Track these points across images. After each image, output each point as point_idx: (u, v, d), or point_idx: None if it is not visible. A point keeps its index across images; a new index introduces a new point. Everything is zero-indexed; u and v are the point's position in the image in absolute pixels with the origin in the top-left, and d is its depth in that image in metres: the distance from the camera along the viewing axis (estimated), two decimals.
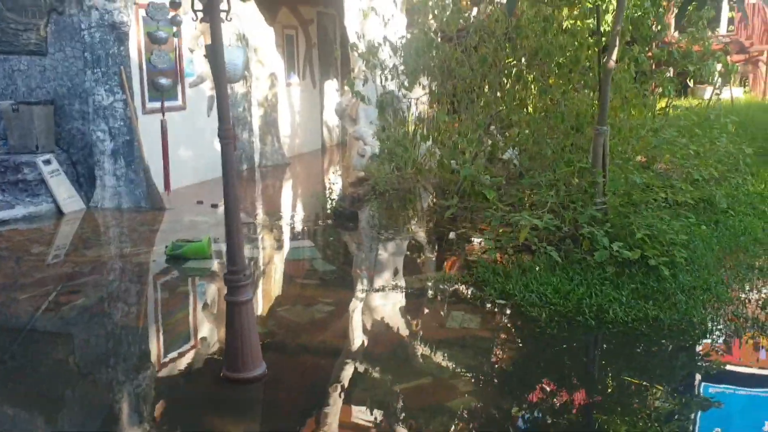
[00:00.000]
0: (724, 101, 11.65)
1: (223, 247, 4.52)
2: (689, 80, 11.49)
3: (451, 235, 6.82)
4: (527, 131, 5.88)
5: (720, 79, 9.89)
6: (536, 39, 5.89)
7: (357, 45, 8.17)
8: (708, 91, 12.41)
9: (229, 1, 3.97)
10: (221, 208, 7.65)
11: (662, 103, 8.18)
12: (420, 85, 10.68)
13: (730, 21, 17.34)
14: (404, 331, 4.61)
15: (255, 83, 11.63)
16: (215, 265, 5.92)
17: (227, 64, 4.83)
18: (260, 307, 5.07)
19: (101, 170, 8.33)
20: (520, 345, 4.47)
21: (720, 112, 7.79)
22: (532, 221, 5.01)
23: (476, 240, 6.42)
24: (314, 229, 7.37)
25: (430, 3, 6.81)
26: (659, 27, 7.13)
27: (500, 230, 5.72)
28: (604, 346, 4.44)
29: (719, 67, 8.15)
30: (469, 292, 5.17)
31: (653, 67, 7.58)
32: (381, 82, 11.09)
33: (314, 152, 13.83)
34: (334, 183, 10.08)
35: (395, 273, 5.84)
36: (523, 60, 6.32)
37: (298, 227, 7.56)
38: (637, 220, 5.55)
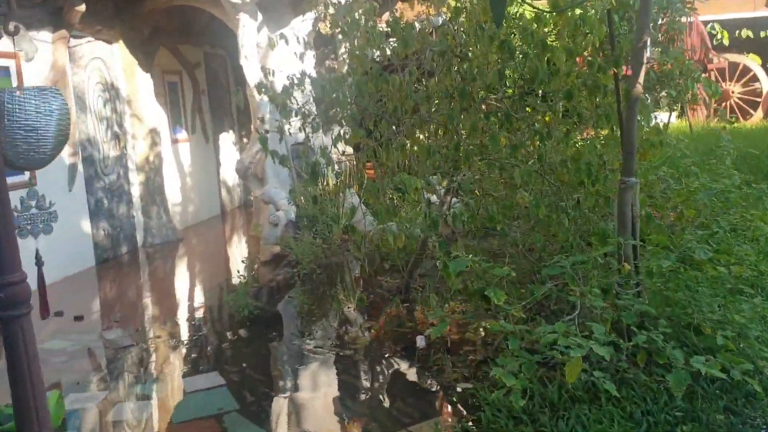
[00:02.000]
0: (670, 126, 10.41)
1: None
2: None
3: (420, 342, 4.81)
4: (524, 193, 4.01)
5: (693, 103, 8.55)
6: (529, 61, 4.10)
7: (265, 85, 6.07)
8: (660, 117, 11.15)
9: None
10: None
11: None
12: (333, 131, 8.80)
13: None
14: None
15: (131, 143, 9.30)
16: None
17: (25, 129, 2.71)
18: None
19: None
20: None
21: (728, 141, 6.28)
22: (585, 348, 3.11)
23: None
24: (221, 350, 5.16)
25: (362, 22, 4.93)
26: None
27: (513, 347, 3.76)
28: None
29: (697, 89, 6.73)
30: None
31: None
32: (294, 130, 9.08)
33: (213, 220, 11.53)
34: (243, 265, 7.89)
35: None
36: (513, 91, 4.49)
37: (197, 347, 5.28)
38: (698, 309, 3.84)
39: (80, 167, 8.11)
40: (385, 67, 5.12)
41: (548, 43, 4.22)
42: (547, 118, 4.54)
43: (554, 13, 4.70)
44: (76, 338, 5.47)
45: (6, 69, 6.89)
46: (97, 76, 8.52)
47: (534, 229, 4.33)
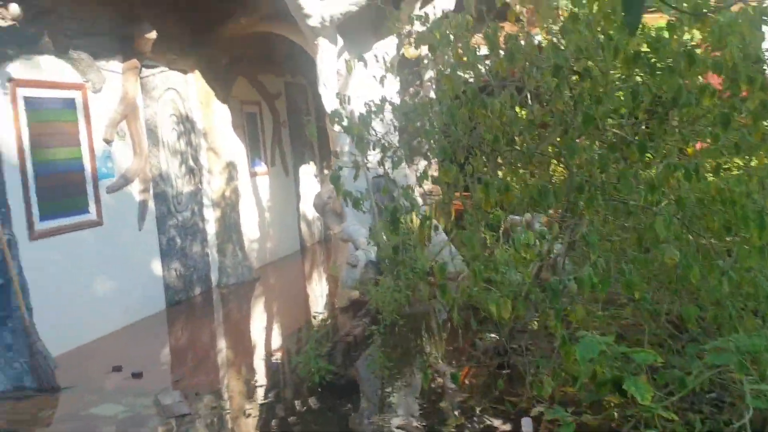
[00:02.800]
0: None
1: None
2: None
3: (527, 426, 3.88)
4: (672, 249, 3.05)
5: None
6: (670, 77, 3.18)
7: (340, 114, 5.32)
8: None
9: None
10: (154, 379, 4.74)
11: None
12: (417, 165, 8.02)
13: None
14: None
15: (207, 177, 8.84)
16: None
17: None
18: None
19: None
20: None
21: None
22: None
23: None
24: (287, 425, 4.37)
25: (452, 38, 4.14)
26: None
27: None
28: None
29: None
30: None
31: None
32: (373, 163, 8.37)
33: (291, 256, 10.95)
34: (319, 313, 7.17)
35: None
36: (640, 115, 3.55)
37: (260, 420, 4.51)
38: None
39: (151, 204, 7.67)
40: (480, 89, 4.29)
41: (696, 54, 3.27)
42: (689, 149, 3.57)
43: (693, 19, 3.75)
44: (130, 402, 4.85)
45: (71, 101, 6.52)
46: (171, 107, 8.11)
47: (676, 294, 3.35)
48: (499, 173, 4.42)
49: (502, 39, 4.14)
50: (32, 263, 5.89)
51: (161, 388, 5.03)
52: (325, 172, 12.45)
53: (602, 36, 3.51)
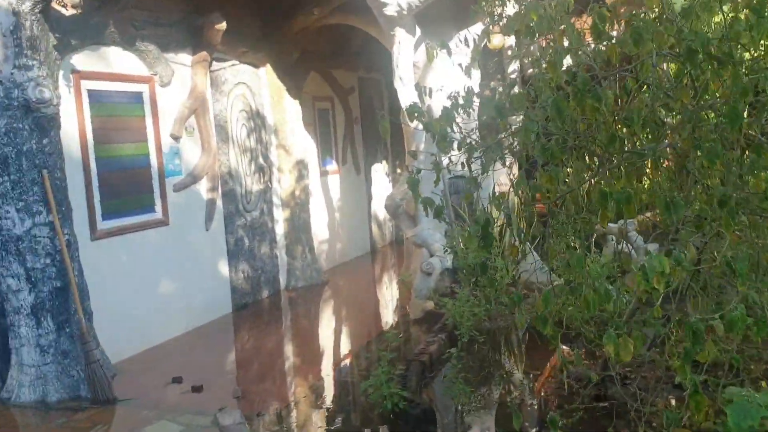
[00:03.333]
0: None
1: None
2: None
3: None
4: None
5: None
6: None
7: (418, 109, 4.72)
8: None
9: None
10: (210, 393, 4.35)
11: None
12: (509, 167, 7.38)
13: None
14: None
15: (277, 176, 8.49)
16: None
17: None
18: None
19: (16, 338, 5.14)
20: None
21: None
22: None
23: None
24: None
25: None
26: None
27: None
28: None
29: None
30: None
31: None
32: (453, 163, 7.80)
33: (361, 259, 10.51)
34: (391, 326, 6.66)
35: None
36: None
37: None
38: None
39: (219, 203, 7.35)
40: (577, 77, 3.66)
41: None
42: None
43: None
44: (188, 421, 4.48)
45: (138, 95, 6.24)
46: (241, 102, 7.77)
47: None
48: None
49: (616, 20, 3.52)
50: (93, 265, 5.63)
51: (221, 408, 4.64)
52: (398, 171, 11.96)
53: (748, 15, 2.85)
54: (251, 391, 5.05)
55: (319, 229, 9.35)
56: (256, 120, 8.09)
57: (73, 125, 5.59)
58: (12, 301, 5.10)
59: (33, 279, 5.08)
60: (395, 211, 7.99)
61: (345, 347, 6.26)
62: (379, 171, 11.49)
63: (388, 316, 7.21)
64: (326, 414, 4.50)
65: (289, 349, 6.27)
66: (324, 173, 9.72)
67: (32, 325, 5.08)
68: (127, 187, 6.16)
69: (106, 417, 4.71)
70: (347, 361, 5.59)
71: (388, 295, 8.34)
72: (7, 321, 5.18)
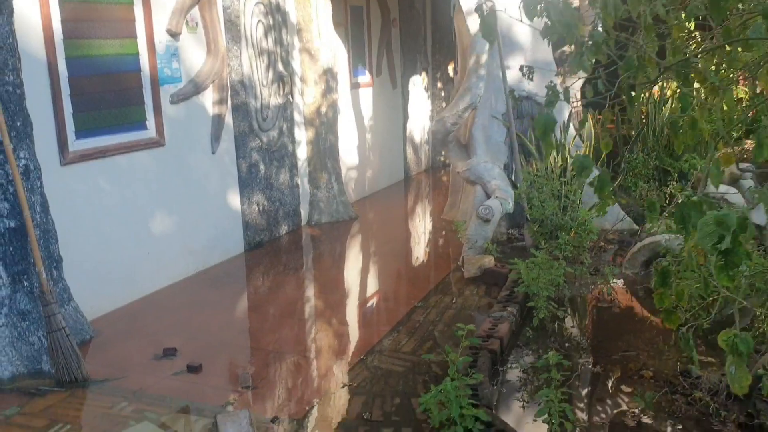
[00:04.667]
0: None
1: None
2: None
3: None
4: None
5: None
6: None
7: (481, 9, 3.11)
8: None
9: None
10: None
11: None
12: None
13: None
14: None
15: (299, 87, 7.03)
16: None
17: None
18: None
19: None
20: None
21: None
22: None
23: None
24: None
25: None
26: None
27: None
28: None
29: None
30: None
31: None
32: (514, 79, 6.28)
33: (394, 188, 9.15)
34: (437, 284, 5.31)
35: None
36: None
37: None
38: None
39: (229, 119, 5.95)
40: None
41: None
42: None
43: None
44: (177, 424, 3.26)
45: None
46: None
47: None
48: None
49: None
50: (64, 197, 4.34)
51: (224, 404, 3.43)
52: (438, 85, 10.40)
53: None
54: (265, 375, 3.82)
55: (347, 154, 7.96)
56: (276, 16, 6.56)
57: (35, 12, 4.15)
58: None
59: None
60: (444, 138, 6.57)
61: (384, 314, 4.91)
62: (418, 85, 9.95)
63: (433, 270, 5.91)
64: (364, 430, 3.26)
65: (315, 306, 5.00)
66: (355, 86, 8.23)
67: None
68: (109, 97, 4.77)
69: (69, 408, 3.52)
70: (390, 339, 4.31)
71: (432, 240, 7.01)
72: None
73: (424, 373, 3.78)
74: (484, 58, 6.28)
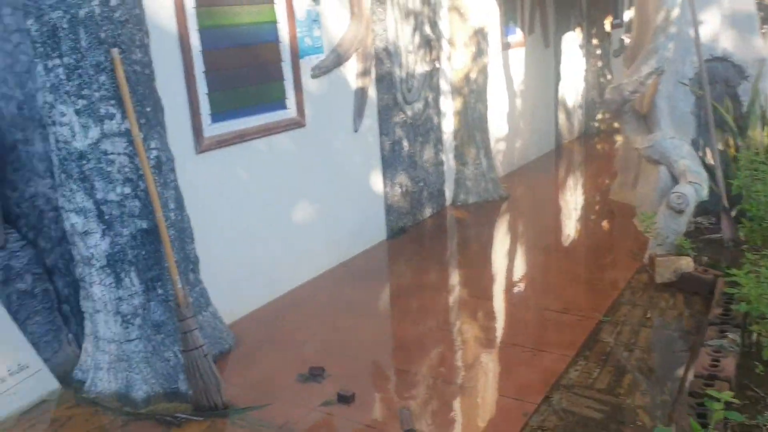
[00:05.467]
0: None
1: None
2: None
3: None
4: None
5: None
6: None
7: None
8: None
9: None
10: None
11: None
12: None
13: None
14: None
15: (447, 52, 6.22)
16: None
17: None
18: None
19: (88, 299, 3.52)
20: None
21: None
22: None
23: None
24: None
25: None
26: None
27: None
28: None
29: None
30: None
31: None
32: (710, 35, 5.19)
33: (544, 160, 8.21)
34: (618, 291, 4.40)
35: None
36: None
37: None
38: None
39: (372, 92, 5.27)
40: None
41: None
42: None
43: None
44: None
45: None
46: None
47: None
48: None
49: None
50: (199, 189, 3.85)
51: None
52: (594, 42, 9.22)
53: None
54: (426, 412, 3.18)
55: (496, 125, 7.10)
56: None
57: None
58: (79, 248, 3.44)
59: (107, 217, 3.35)
60: (620, 107, 5.57)
61: (562, 330, 4.10)
62: (571, 42, 8.83)
63: (612, 269, 5.01)
64: None
65: (472, 314, 4.29)
66: (506, 46, 7.30)
67: (109, 284, 3.42)
68: (246, 73, 4.20)
69: None
70: (576, 369, 3.52)
71: (599, 225, 6.07)
72: (76, 272, 3.56)
73: (629, 423, 2.99)
74: (675, 12, 5.19)
